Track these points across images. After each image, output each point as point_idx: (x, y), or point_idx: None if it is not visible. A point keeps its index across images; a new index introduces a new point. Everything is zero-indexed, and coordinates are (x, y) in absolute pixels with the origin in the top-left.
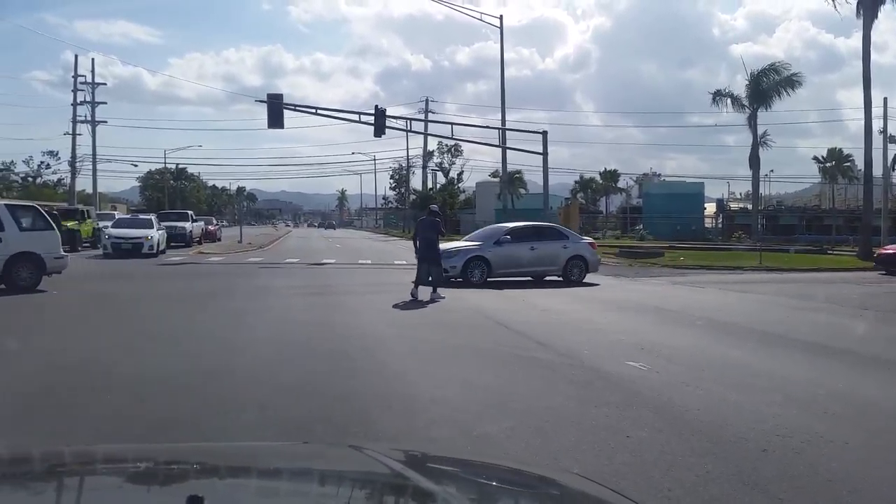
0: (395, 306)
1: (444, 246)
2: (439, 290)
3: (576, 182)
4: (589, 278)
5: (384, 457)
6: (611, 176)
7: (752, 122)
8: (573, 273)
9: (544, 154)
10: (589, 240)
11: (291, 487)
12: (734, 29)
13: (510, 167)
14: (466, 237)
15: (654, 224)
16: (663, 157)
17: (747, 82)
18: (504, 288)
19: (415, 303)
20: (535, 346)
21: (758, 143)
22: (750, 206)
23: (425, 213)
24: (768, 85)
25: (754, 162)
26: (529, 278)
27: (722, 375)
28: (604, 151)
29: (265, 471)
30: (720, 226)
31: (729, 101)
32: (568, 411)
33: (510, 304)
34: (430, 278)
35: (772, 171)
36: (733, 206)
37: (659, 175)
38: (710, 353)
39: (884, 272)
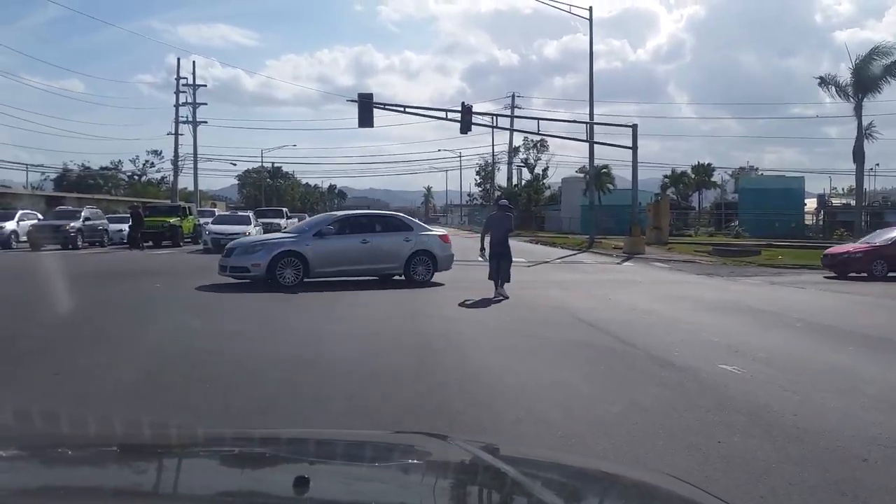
0: (479, 303)
1: (246, 239)
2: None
3: (666, 177)
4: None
5: (475, 448)
6: (704, 170)
7: (857, 113)
8: (417, 272)
9: (634, 148)
10: (440, 231)
11: (389, 475)
12: (838, 14)
13: (598, 162)
14: (286, 229)
15: (751, 221)
16: (761, 150)
17: (851, 68)
18: (588, 286)
19: (498, 299)
20: (623, 345)
21: (863, 134)
22: (853, 202)
23: (495, 209)
24: (874, 71)
25: (859, 155)
26: (369, 278)
27: (820, 380)
28: (698, 144)
29: (363, 458)
30: (821, 223)
31: (833, 88)
32: (657, 413)
33: (594, 302)
34: (499, 273)
35: (878, 164)
36: (835, 201)
37: (756, 169)
38: (808, 356)
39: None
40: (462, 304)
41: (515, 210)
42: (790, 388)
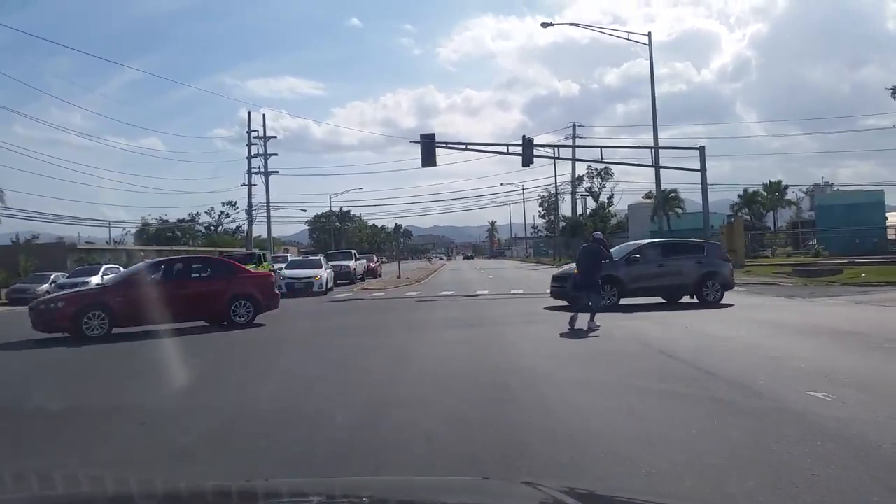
0: (552, 336)
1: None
2: (596, 319)
3: (738, 197)
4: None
5: (560, 494)
6: (776, 188)
7: None
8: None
9: (702, 170)
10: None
11: None
12: None
13: (666, 186)
14: None
15: (830, 238)
16: (836, 164)
17: None
18: (661, 312)
19: (572, 332)
20: (704, 375)
21: None
22: None
23: (590, 241)
24: None
25: None
26: None
27: None
28: (769, 163)
29: None
30: None
31: None
32: (744, 447)
33: (672, 332)
34: (590, 304)
35: None
36: None
37: (832, 185)
38: None
39: None
40: (538, 337)
41: (581, 240)
42: (886, 414)
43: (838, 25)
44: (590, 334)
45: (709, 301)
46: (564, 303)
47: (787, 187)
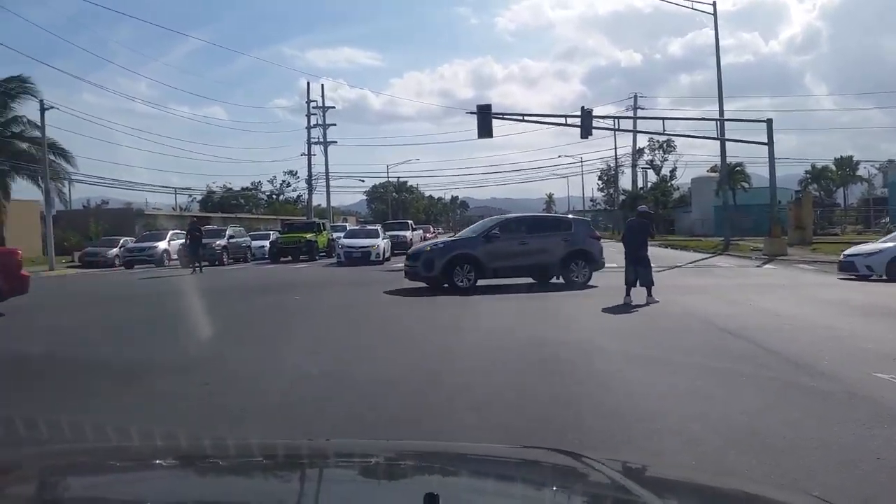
0: (607, 310)
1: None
2: (653, 293)
3: (806, 172)
4: None
5: (605, 467)
6: (847, 164)
7: None
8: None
9: (770, 144)
10: None
11: (518, 491)
12: None
13: (731, 160)
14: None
15: None
16: None
17: None
18: (725, 290)
19: (628, 307)
20: (765, 353)
21: None
22: None
23: (634, 215)
24: None
25: None
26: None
27: None
28: (839, 138)
29: (492, 474)
30: None
31: None
32: (806, 427)
33: (732, 308)
34: (639, 281)
35: None
36: None
37: None
38: None
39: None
40: (594, 311)
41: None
42: None
43: None
44: (642, 308)
45: (575, 282)
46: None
47: (858, 163)
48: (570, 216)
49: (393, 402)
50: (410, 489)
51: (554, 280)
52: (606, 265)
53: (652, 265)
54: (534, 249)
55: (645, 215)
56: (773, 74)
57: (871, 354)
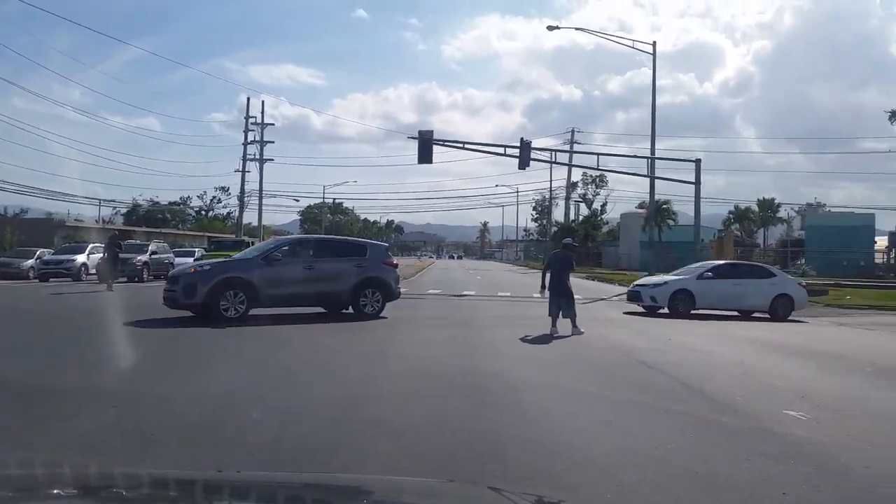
0: (535, 341)
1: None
2: (577, 325)
3: (730, 213)
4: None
5: (522, 500)
6: (768, 206)
7: None
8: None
9: (696, 183)
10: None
11: None
12: None
13: (660, 197)
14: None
15: (818, 259)
16: (830, 185)
17: None
18: (647, 325)
19: (554, 338)
20: (682, 388)
21: None
22: None
23: (560, 247)
24: None
25: None
26: None
27: (894, 428)
28: (764, 180)
29: None
30: (893, 261)
31: None
32: (718, 463)
33: (653, 343)
34: (562, 313)
35: None
36: None
37: (824, 205)
38: (879, 403)
39: None
40: (518, 341)
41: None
42: (862, 436)
43: (841, 47)
44: (567, 340)
45: (367, 314)
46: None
47: (779, 205)
48: (365, 240)
49: (306, 429)
50: None
51: (347, 310)
52: (535, 295)
53: (575, 297)
54: (321, 276)
55: (569, 248)
56: (705, 115)
57: (782, 392)
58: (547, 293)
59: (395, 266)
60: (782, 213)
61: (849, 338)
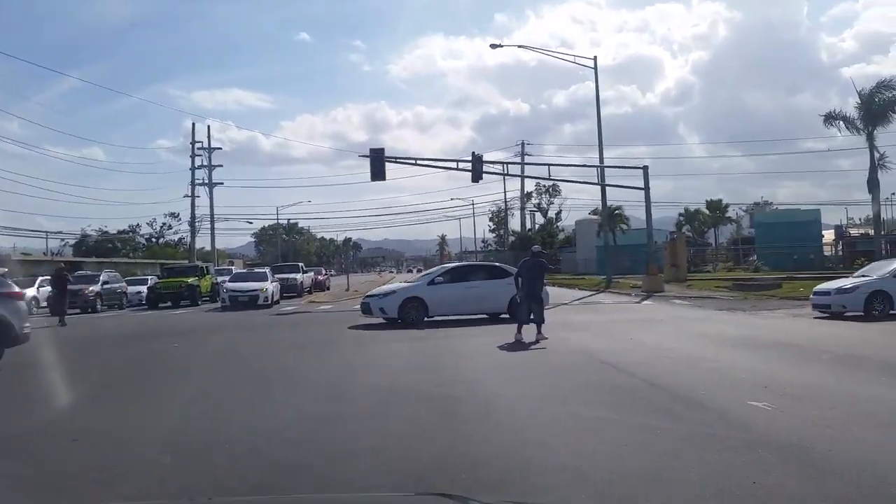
0: (500, 348)
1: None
2: (543, 330)
3: (680, 215)
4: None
5: None
6: (717, 206)
7: (870, 143)
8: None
9: (646, 189)
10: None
11: None
12: (843, 51)
13: (612, 203)
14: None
15: (769, 255)
16: (774, 185)
17: (858, 103)
18: (608, 326)
19: (518, 344)
20: (647, 386)
21: (876, 165)
22: (871, 232)
23: (528, 254)
24: (882, 103)
25: (873, 185)
26: None
27: (855, 413)
28: (710, 182)
29: None
30: (840, 253)
31: (842, 123)
32: (687, 456)
33: (616, 343)
34: (532, 317)
35: (893, 194)
36: (853, 232)
37: (770, 204)
38: (839, 389)
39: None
40: (483, 349)
41: (526, 254)
42: (823, 422)
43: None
44: (533, 346)
45: None
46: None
47: (727, 206)
48: None
49: (278, 449)
50: None
51: None
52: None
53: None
54: None
55: (539, 254)
56: (649, 124)
57: (745, 384)
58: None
59: (21, 298)
60: (731, 213)
61: (805, 328)
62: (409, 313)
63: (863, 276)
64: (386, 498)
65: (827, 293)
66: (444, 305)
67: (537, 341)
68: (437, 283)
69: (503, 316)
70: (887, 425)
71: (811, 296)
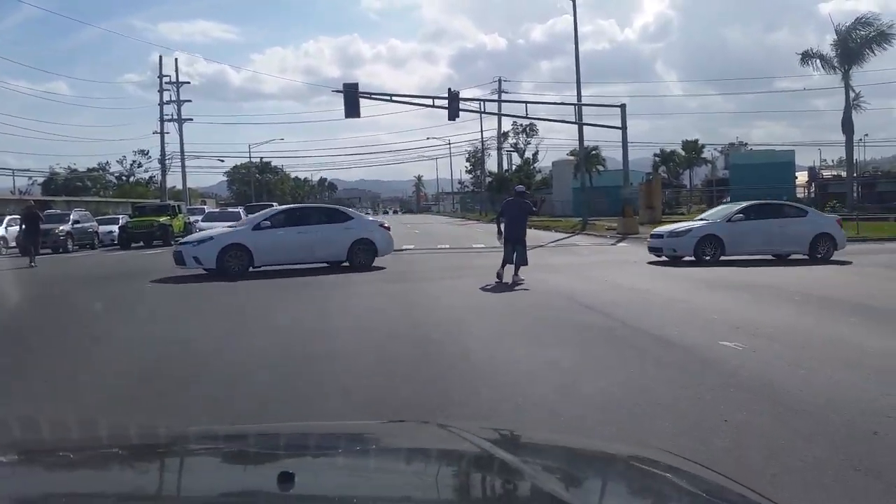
0: (477, 290)
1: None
2: (521, 273)
3: (656, 156)
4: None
5: (471, 434)
6: (693, 147)
7: (845, 83)
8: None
9: (623, 128)
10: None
11: (379, 464)
12: None
13: (588, 144)
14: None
15: (742, 196)
16: (750, 125)
17: (834, 41)
18: (584, 268)
19: (497, 286)
20: (622, 326)
21: (850, 105)
22: (844, 174)
23: (512, 194)
24: (858, 41)
25: (847, 126)
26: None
27: (825, 353)
28: (687, 122)
29: (352, 449)
30: (813, 195)
31: (818, 61)
32: (660, 394)
33: (593, 286)
34: (515, 258)
35: (866, 135)
36: (826, 174)
37: (745, 144)
38: (810, 329)
39: None
40: (462, 291)
41: (507, 195)
42: (794, 362)
43: None
44: (515, 288)
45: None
46: None
47: (703, 146)
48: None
49: (253, 389)
50: (266, 470)
51: None
52: (474, 245)
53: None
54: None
55: (523, 195)
56: (627, 61)
57: (718, 324)
58: (502, 240)
59: None
60: (706, 154)
61: (776, 270)
62: (230, 263)
63: (702, 219)
64: (364, 426)
65: (660, 236)
66: (273, 253)
67: (514, 283)
68: (263, 228)
69: (344, 264)
70: (852, 365)
71: (648, 238)
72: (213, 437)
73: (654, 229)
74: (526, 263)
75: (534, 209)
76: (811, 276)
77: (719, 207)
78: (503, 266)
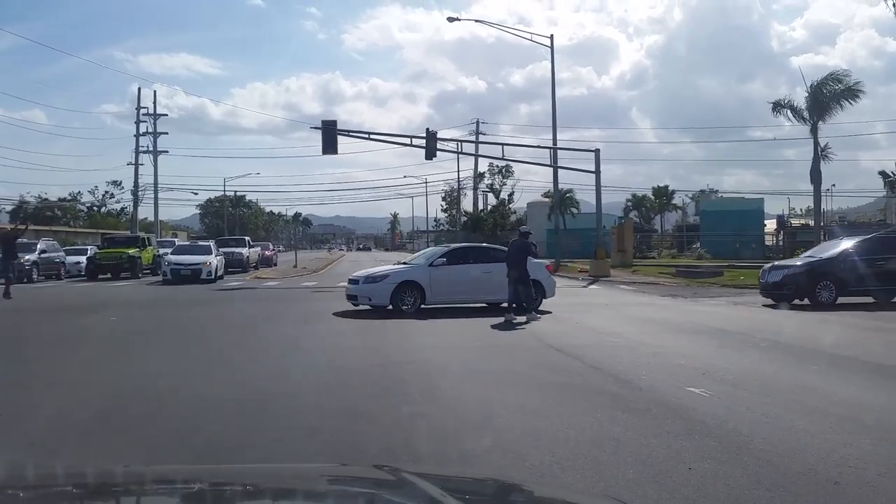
0: (447, 330)
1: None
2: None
3: (628, 200)
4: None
5: (421, 480)
6: (663, 193)
7: (814, 135)
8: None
9: (597, 172)
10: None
11: None
12: (793, 40)
13: (563, 186)
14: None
15: (712, 242)
16: (722, 173)
17: (806, 93)
18: (555, 309)
19: (467, 325)
20: (590, 370)
21: (819, 156)
22: (812, 222)
23: (517, 235)
24: (828, 95)
25: (816, 176)
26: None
27: (789, 401)
28: (660, 169)
29: (301, 492)
30: (781, 243)
31: (789, 111)
32: (626, 441)
33: (561, 326)
34: (520, 297)
35: (833, 185)
36: (794, 222)
37: (716, 192)
38: (775, 377)
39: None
40: (430, 331)
41: (482, 235)
42: (759, 410)
43: (728, 41)
44: (484, 328)
45: None
46: None
47: (674, 192)
48: None
49: (216, 428)
50: None
51: None
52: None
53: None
54: None
55: (526, 236)
56: (603, 107)
57: (685, 370)
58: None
59: None
60: (677, 200)
61: (745, 316)
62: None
63: (404, 263)
64: (318, 469)
65: (356, 282)
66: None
67: (528, 321)
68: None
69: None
70: (816, 414)
71: (346, 284)
72: (166, 478)
73: (352, 274)
74: (529, 302)
75: (534, 249)
76: (778, 322)
77: (425, 250)
78: (509, 306)
